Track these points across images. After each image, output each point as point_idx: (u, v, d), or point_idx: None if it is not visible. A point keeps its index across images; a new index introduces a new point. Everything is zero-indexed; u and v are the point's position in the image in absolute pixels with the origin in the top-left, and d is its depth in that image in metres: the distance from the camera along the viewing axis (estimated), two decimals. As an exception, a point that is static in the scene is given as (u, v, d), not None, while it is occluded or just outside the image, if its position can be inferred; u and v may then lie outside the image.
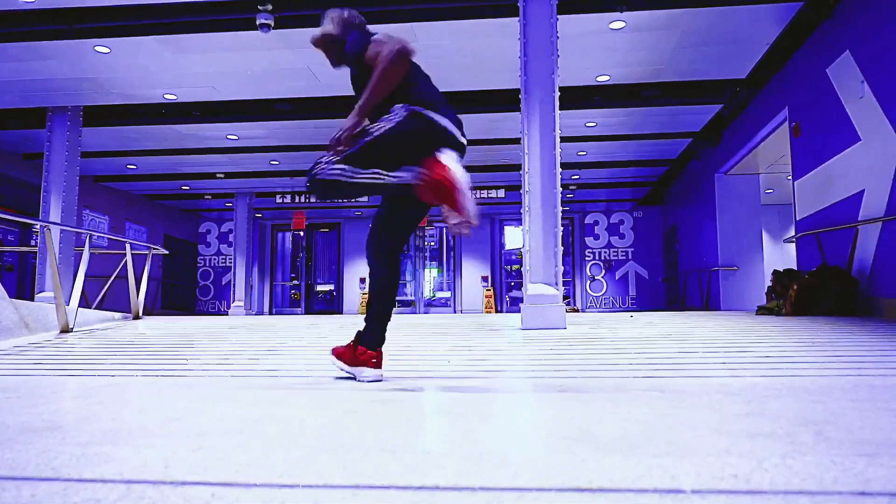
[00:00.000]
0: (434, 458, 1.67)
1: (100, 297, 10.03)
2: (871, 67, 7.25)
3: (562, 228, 6.89)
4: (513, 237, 20.80)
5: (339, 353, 3.51)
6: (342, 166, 3.04)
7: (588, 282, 20.14)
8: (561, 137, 7.00)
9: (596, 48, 9.06)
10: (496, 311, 19.45)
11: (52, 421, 2.28)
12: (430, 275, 21.67)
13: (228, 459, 1.67)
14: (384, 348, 3.50)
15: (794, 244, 9.57)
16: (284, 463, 1.62)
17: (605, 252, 20.22)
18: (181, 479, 1.50)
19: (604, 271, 20.15)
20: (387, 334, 3.45)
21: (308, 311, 20.82)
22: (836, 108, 8.02)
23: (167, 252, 10.25)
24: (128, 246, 8.53)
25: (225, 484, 1.47)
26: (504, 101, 10.07)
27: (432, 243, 21.79)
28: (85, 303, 8.43)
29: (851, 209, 7.71)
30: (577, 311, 18.28)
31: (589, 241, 20.31)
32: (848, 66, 7.70)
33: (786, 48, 9.10)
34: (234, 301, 18.62)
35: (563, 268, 6.84)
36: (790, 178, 9.64)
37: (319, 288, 21.79)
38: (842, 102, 7.88)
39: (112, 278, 9.78)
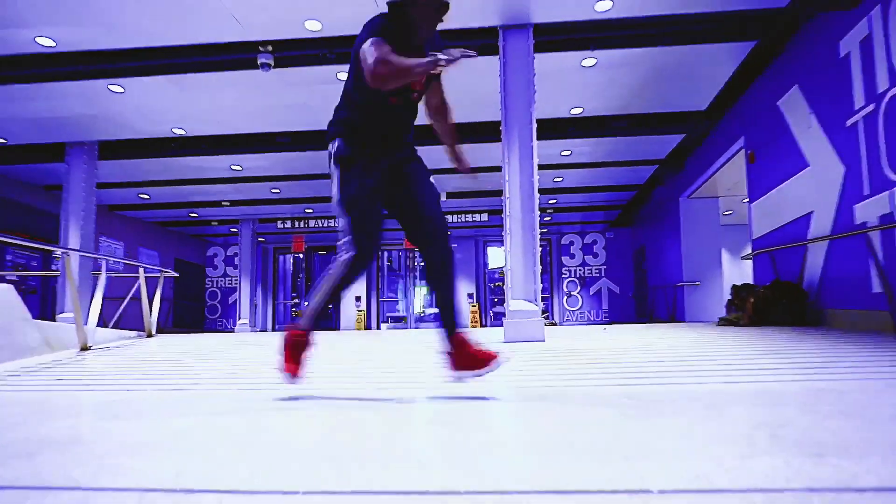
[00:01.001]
0: (424, 466, 1.68)
1: (116, 317, 9.94)
2: (818, 100, 7.36)
3: (540, 249, 6.92)
4: (495, 257, 20.81)
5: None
6: None
7: (565, 297, 20.16)
8: (538, 165, 7.05)
9: (570, 84, 9.15)
10: (481, 326, 19.42)
11: (73, 434, 2.27)
12: (421, 292, 21.64)
13: (234, 469, 1.67)
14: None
15: (750, 261, 9.64)
16: (286, 471, 1.63)
17: (580, 270, 20.27)
18: (190, 488, 1.50)
19: (579, 287, 20.19)
20: (382, 348, 3.43)
21: (308, 327, 20.63)
22: (786, 137, 8.14)
23: (177, 275, 10.20)
24: (141, 270, 8.49)
25: (231, 491, 1.47)
26: (487, 132, 10.14)
27: (423, 263, 21.76)
28: (102, 322, 8.36)
29: (801, 229, 7.80)
30: (554, 324, 18.29)
31: (565, 259, 20.35)
32: (797, 99, 7.82)
33: (741, 83, 9.23)
34: (239, 319, 18.50)
35: (541, 285, 6.86)
36: (746, 200, 9.74)
37: (318, 305, 21.64)
38: (792, 132, 7.99)
39: (127, 299, 9.71)
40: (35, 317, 8.93)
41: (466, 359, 3.07)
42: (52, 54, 7.95)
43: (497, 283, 20.56)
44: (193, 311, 20.94)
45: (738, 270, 15.08)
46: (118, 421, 2.68)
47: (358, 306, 20.37)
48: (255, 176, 13.75)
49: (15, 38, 7.51)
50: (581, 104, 10.03)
